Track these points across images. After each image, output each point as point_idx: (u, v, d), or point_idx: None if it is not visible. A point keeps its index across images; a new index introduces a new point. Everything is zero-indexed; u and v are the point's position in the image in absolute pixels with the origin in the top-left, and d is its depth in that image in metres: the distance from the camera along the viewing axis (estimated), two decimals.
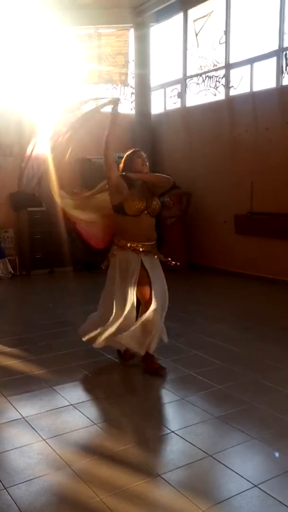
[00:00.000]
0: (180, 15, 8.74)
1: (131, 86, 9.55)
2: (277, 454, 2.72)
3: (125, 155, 3.96)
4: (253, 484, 2.44)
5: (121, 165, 3.89)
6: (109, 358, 4.23)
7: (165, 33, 9.33)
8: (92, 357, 4.25)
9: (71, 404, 3.36)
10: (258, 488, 2.41)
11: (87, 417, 3.17)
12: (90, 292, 7.18)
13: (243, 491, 2.39)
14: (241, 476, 2.52)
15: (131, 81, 9.50)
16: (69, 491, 2.43)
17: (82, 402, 3.40)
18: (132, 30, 9.28)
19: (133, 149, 4.01)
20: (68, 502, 2.35)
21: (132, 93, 9.50)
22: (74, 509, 2.29)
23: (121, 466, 2.63)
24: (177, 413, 3.33)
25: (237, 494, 2.38)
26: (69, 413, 3.24)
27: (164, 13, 8.91)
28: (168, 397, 3.52)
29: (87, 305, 6.14)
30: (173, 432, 2.98)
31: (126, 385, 3.75)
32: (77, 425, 3.07)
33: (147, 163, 3.90)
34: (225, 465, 2.62)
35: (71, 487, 2.45)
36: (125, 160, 3.90)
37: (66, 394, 3.53)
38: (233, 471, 2.57)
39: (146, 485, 2.45)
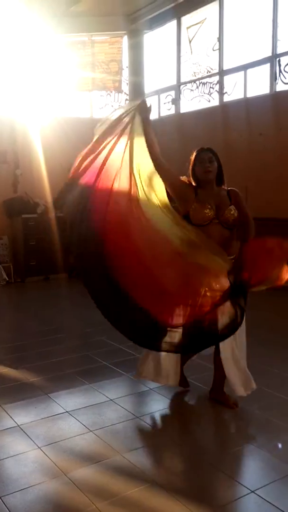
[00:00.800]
0: (174, 22, 8.79)
1: (125, 93, 9.58)
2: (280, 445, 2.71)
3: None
4: (250, 490, 2.43)
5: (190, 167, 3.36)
6: (104, 364, 4.21)
7: (158, 40, 9.38)
8: (87, 364, 4.23)
9: (66, 411, 3.33)
10: (255, 494, 2.39)
11: (83, 424, 3.14)
12: (85, 298, 7.18)
13: (240, 497, 2.38)
14: (238, 482, 2.50)
15: (125, 87, 9.53)
16: (64, 500, 2.41)
17: (78, 409, 3.38)
18: (125, 37, 9.32)
19: (198, 149, 3.41)
20: (63, 510, 2.32)
21: (126, 99, 9.53)
22: None
23: (117, 473, 2.61)
24: (172, 420, 3.31)
25: (234, 500, 2.36)
26: (65, 421, 3.22)
27: (158, 20, 8.96)
28: (159, 403, 3.50)
29: (82, 311, 6.15)
30: (167, 439, 2.96)
31: (121, 390, 3.72)
32: (73, 433, 3.05)
33: (213, 163, 3.29)
34: (222, 471, 2.60)
35: (67, 495, 2.43)
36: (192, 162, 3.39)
37: (61, 401, 3.50)
38: (230, 477, 2.55)
39: (142, 492, 2.43)
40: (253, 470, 2.68)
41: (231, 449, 2.82)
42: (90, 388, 3.73)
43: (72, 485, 2.49)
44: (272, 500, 2.34)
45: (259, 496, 2.38)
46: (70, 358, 4.42)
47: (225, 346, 3.26)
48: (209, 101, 8.27)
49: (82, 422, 3.18)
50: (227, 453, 2.79)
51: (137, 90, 9.22)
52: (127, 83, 9.45)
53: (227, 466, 2.65)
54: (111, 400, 3.51)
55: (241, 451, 2.81)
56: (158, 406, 3.47)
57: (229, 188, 3.41)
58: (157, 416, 3.32)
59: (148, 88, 9.41)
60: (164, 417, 3.33)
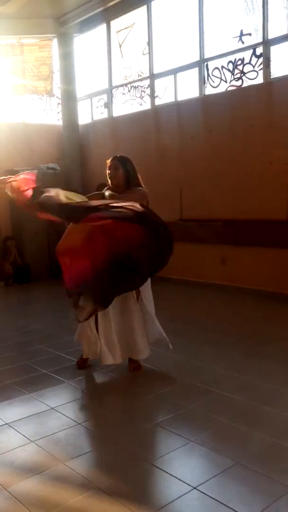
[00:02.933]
0: (103, 26, 8.81)
1: (57, 97, 9.48)
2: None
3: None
4: (192, 486, 2.47)
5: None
6: (44, 372, 4.14)
7: (89, 43, 9.37)
8: (27, 373, 4.15)
9: (6, 423, 3.25)
10: (197, 490, 2.44)
11: (23, 435, 3.08)
12: (22, 307, 7.05)
13: (183, 495, 2.42)
14: (180, 480, 2.54)
15: (57, 91, 9.43)
16: None
17: (18, 420, 3.30)
18: (55, 41, 9.23)
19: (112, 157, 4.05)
20: None
21: (59, 103, 9.44)
22: None
23: (59, 482, 2.58)
24: (112, 423, 3.31)
25: (177, 498, 2.40)
26: (4, 433, 3.13)
27: (87, 24, 8.94)
28: (100, 408, 3.49)
29: (19, 320, 6.03)
30: (110, 443, 2.96)
31: (62, 398, 3.67)
32: (13, 445, 2.97)
33: (119, 170, 3.96)
34: (164, 470, 2.63)
35: (8, 510, 2.37)
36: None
37: (1, 413, 3.41)
38: (172, 475, 2.59)
39: (85, 500, 2.41)
40: (194, 466, 2.73)
41: (171, 448, 2.86)
42: (31, 398, 3.66)
43: (13, 499, 2.43)
44: (214, 494, 2.40)
45: (201, 491, 2.43)
46: (9, 368, 4.31)
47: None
48: (141, 104, 8.35)
49: (22, 433, 3.11)
50: (167, 452, 2.82)
51: (69, 95, 9.15)
52: (58, 87, 9.35)
53: (168, 465, 2.69)
54: (52, 408, 3.46)
55: (182, 449, 2.85)
56: (100, 411, 3.46)
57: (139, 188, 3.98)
58: (99, 421, 3.31)
59: (80, 91, 9.36)
60: (105, 422, 3.32)
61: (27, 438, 3.04)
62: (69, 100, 9.16)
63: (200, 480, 2.52)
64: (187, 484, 2.50)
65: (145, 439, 3.01)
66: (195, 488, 2.46)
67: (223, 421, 3.15)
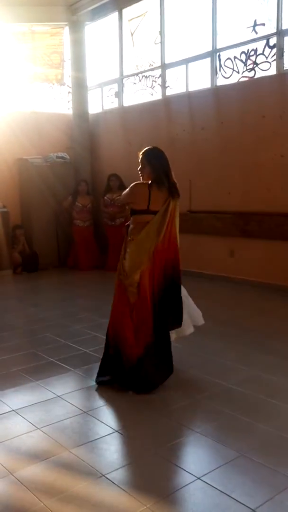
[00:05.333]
0: (115, 14, 8.75)
1: (67, 85, 9.45)
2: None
3: None
4: (196, 477, 2.49)
5: None
6: (51, 361, 4.17)
7: (101, 32, 9.30)
8: (33, 361, 4.18)
9: (13, 410, 3.28)
10: (201, 480, 2.46)
11: (30, 422, 3.11)
12: (31, 294, 7.09)
13: (187, 485, 2.43)
14: (184, 470, 2.56)
15: (68, 80, 9.40)
16: (11, 499, 2.37)
17: (24, 407, 3.33)
18: (67, 29, 9.18)
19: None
20: (10, 510, 2.29)
21: (69, 92, 9.40)
22: None
23: (64, 469, 2.61)
24: (119, 413, 3.33)
25: (181, 488, 2.42)
26: (11, 419, 3.17)
27: (99, 12, 8.88)
28: (107, 397, 3.51)
29: (26, 308, 6.06)
30: (116, 431, 2.98)
31: (68, 386, 3.70)
32: (19, 431, 3.01)
33: (145, 168, 3.65)
34: (169, 460, 2.65)
35: (14, 495, 2.40)
36: None
37: (8, 400, 3.44)
38: (177, 465, 2.61)
39: (90, 486, 2.44)
40: (198, 457, 2.75)
41: (177, 438, 2.88)
42: (37, 385, 3.69)
43: (19, 484, 2.46)
44: (218, 485, 2.42)
45: (205, 482, 2.44)
46: (16, 356, 4.34)
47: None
48: (152, 94, 8.30)
49: (29, 420, 3.14)
50: (173, 442, 2.84)
51: (79, 83, 9.11)
52: (69, 76, 9.31)
53: (173, 455, 2.71)
54: (58, 396, 3.49)
55: (187, 440, 2.87)
56: (106, 400, 3.48)
57: None
58: (104, 410, 3.33)
59: (91, 80, 9.32)
60: (110, 410, 3.35)
61: (33, 425, 3.07)
62: (79, 89, 9.11)
63: (205, 471, 2.54)
64: (191, 474, 2.51)
65: (151, 428, 3.03)
66: (199, 478, 2.47)
67: (228, 413, 3.16)
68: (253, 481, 2.46)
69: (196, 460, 2.71)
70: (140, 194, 3.59)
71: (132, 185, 3.69)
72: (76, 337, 4.77)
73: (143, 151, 3.66)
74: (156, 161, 3.60)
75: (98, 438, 2.91)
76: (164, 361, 3.60)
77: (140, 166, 3.67)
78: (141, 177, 3.69)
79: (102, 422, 3.12)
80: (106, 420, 3.17)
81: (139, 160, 3.67)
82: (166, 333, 3.63)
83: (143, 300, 3.57)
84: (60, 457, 2.71)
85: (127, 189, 3.75)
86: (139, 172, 3.69)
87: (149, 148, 3.67)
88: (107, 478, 2.50)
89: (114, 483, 2.45)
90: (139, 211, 3.62)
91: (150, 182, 3.60)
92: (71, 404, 3.36)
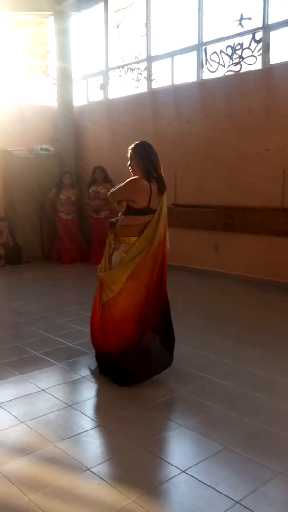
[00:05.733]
0: (101, 5, 8.66)
1: (52, 77, 9.35)
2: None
3: None
4: (181, 470, 2.50)
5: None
6: (35, 354, 4.15)
7: (86, 23, 9.21)
8: (18, 355, 4.15)
9: None
10: (186, 473, 2.47)
11: (14, 416, 3.09)
12: (15, 287, 7.03)
13: (172, 478, 2.44)
14: (169, 463, 2.57)
15: (52, 71, 9.30)
16: None
17: (8, 401, 3.31)
18: (52, 19, 9.06)
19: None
20: None
21: (54, 84, 9.31)
22: (1, 511, 2.23)
23: (49, 463, 2.60)
24: (104, 406, 3.33)
25: (166, 481, 2.43)
26: None
27: (85, 2, 8.79)
28: (91, 390, 3.51)
29: (10, 301, 6.01)
30: (101, 425, 2.98)
31: (53, 380, 3.69)
32: (3, 425, 2.98)
33: (132, 160, 3.57)
34: (154, 453, 2.65)
35: None
36: None
37: None
38: (162, 459, 2.62)
39: (75, 480, 2.44)
40: (183, 450, 2.76)
41: (161, 431, 2.89)
42: (21, 379, 3.67)
43: (3, 478, 2.45)
44: (202, 478, 2.43)
45: (190, 475, 2.46)
46: (0, 349, 4.31)
47: None
48: (137, 87, 8.26)
49: (13, 413, 3.12)
50: (158, 435, 2.85)
51: (64, 75, 9.01)
52: (54, 67, 9.21)
53: (158, 448, 2.72)
54: (42, 390, 3.47)
55: (171, 433, 2.88)
56: (90, 393, 3.48)
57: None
58: (89, 404, 3.33)
59: (76, 72, 9.23)
60: (95, 404, 3.35)
61: (18, 419, 3.05)
62: (64, 80, 9.02)
63: (189, 464, 2.55)
64: (176, 467, 2.52)
65: (135, 422, 3.03)
66: (184, 471, 2.49)
67: (213, 406, 3.18)
68: (237, 474, 2.48)
69: (181, 453, 2.73)
70: (143, 191, 3.45)
71: (131, 181, 3.51)
72: (60, 331, 4.74)
73: (132, 145, 3.59)
74: (145, 155, 3.53)
75: (83, 432, 2.90)
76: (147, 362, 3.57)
77: (129, 161, 3.60)
78: (131, 172, 3.62)
79: (87, 416, 3.11)
80: (91, 414, 3.16)
81: (128, 155, 3.60)
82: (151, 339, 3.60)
83: (127, 300, 3.54)
84: (44, 451, 2.70)
85: (124, 185, 3.52)
86: (129, 168, 3.62)
87: (138, 143, 3.61)
88: (92, 471, 2.50)
89: (99, 477, 2.45)
90: (140, 210, 3.49)
91: (145, 177, 3.51)
92: (55, 397, 3.35)
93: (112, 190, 3.73)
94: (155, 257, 3.55)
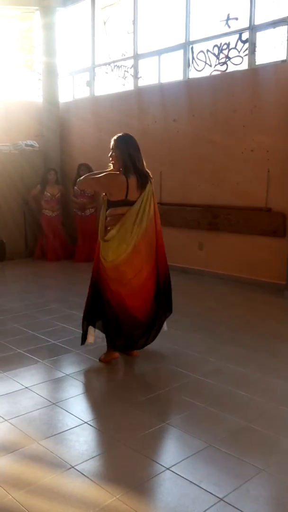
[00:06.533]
0: (88, 1, 8.62)
1: (38, 72, 9.27)
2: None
3: None
4: (165, 467, 2.51)
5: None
6: (19, 352, 4.12)
7: (72, 19, 9.15)
8: (1, 353, 4.12)
9: None
10: (170, 470, 2.48)
11: None
12: None
13: (156, 475, 2.45)
14: (154, 461, 2.58)
15: (38, 66, 9.22)
16: None
17: None
18: (37, 13, 8.98)
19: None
20: None
21: (39, 79, 9.23)
22: None
23: (33, 461, 2.59)
24: (88, 404, 3.33)
25: (150, 478, 2.43)
26: None
27: None
28: (75, 388, 3.50)
29: None
30: (85, 422, 2.98)
31: (37, 378, 3.67)
32: None
33: (113, 151, 3.68)
34: (137, 451, 2.66)
35: None
36: None
37: None
38: (146, 456, 2.62)
39: (59, 478, 2.43)
40: (167, 448, 2.78)
41: (146, 429, 2.89)
42: (4, 377, 3.64)
43: None
44: (186, 475, 2.45)
45: (174, 472, 2.47)
46: None
47: None
48: (124, 84, 8.24)
49: None
50: (142, 433, 2.85)
51: (50, 70, 8.95)
52: (40, 62, 9.13)
53: (142, 446, 2.72)
54: (26, 388, 3.45)
55: (156, 431, 2.89)
56: (75, 391, 3.46)
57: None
58: (73, 401, 3.32)
59: (61, 69, 9.17)
60: (80, 402, 3.34)
61: (1, 417, 3.03)
62: (50, 75, 8.95)
63: (173, 461, 2.57)
64: (160, 464, 2.53)
65: (119, 420, 3.03)
66: (168, 469, 2.50)
67: (197, 404, 3.19)
68: (220, 471, 2.50)
69: (165, 451, 2.74)
70: (119, 185, 3.58)
71: (108, 175, 3.65)
72: (44, 328, 4.72)
73: (115, 137, 3.70)
74: (126, 150, 3.62)
75: (67, 430, 2.90)
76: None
77: (111, 152, 3.70)
78: (111, 163, 3.71)
79: (71, 413, 3.10)
80: (75, 411, 3.15)
81: (111, 146, 3.69)
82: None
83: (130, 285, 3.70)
84: (28, 449, 2.69)
85: (102, 177, 3.66)
86: (110, 158, 3.71)
87: (121, 135, 3.71)
88: (76, 469, 2.49)
89: (84, 475, 2.45)
90: (117, 202, 3.63)
91: (121, 170, 3.62)
92: (39, 395, 3.33)
93: (86, 176, 3.86)
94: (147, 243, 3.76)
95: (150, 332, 3.87)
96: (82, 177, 3.89)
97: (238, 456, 2.61)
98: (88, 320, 3.86)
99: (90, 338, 3.89)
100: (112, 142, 3.69)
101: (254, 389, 3.42)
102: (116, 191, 3.61)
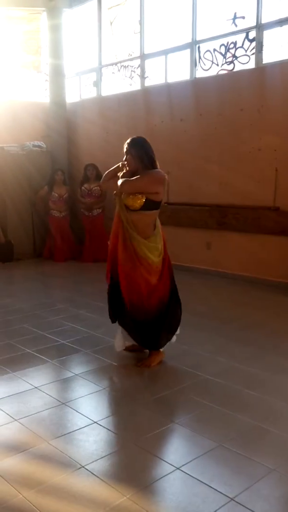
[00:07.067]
0: (94, 1, 8.63)
1: (45, 73, 9.30)
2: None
3: None
4: (175, 467, 2.50)
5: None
6: (27, 352, 4.13)
7: (79, 19, 9.17)
8: (10, 352, 4.13)
9: None
10: (180, 470, 2.48)
11: (7, 414, 3.07)
12: (6, 285, 6.99)
13: (166, 475, 2.45)
14: (164, 461, 2.57)
15: (45, 67, 9.24)
16: None
17: (1, 398, 3.29)
18: (44, 15, 9.01)
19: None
20: None
21: (46, 80, 9.26)
22: None
23: (43, 460, 2.59)
24: (98, 404, 3.33)
25: (160, 478, 2.43)
26: None
27: None
28: (85, 388, 3.50)
29: (3, 299, 5.98)
30: (95, 422, 2.97)
31: (46, 377, 3.68)
32: None
33: (128, 155, 3.60)
34: (148, 451, 2.66)
35: None
36: None
37: None
38: (156, 456, 2.62)
39: (69, 478, 2.43)
40: (177, 448, 2.77)
41: (156, 429, 2.89)
42: (14, 377, 3.65)
43: None
44: (196, 475, 2.44)
45: (184, 472, 2.46)
46: None
47: None
48: (130, 84, 8.24)
49: (6, 411, 3.11)
50: (152, 433, 2.85)
51: (57, 71, 8.97)
52: (46, 63, 9.16)
53: (152, 445, 2.72)
54: (35, 387, 3.46)
55: (166, 431, 2.88)
56: (84, 391, 3.46)
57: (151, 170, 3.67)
58: (83, 401, 3.32)
59: (68, 69, 9.19)
60: (89, 402, 3.33)
61: (11, 417, 3.04)
62: (57, 76, 8.97)
63: (183, 461, 2.56)
64: (170, 464, 2.53)
65: (128, 419, 3.03)
66: (178, 468, 2.49)
67: (206, 404, 3.18)
68: (231, 471, 2.49)
69: (175, 450, 2.73)
70: (164, 183, 3.61)
71: (158, 173, 3.58)
72: (52, 328, 4.73)
73: (129, 140, 3.62)
74: (144, 150, 3.58)
75: (76, 429, 2.90)
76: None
77: (125, 156, 3.62)
78: (126, 167, 3.65)
79: (80, 413, 3.11)
80: (85, 411, 3.15)
81: (125, 150, 3.62)
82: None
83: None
84: (38, 448, 2.69)
85: (150, 177, 3.54)
86: (125, 163, 3.65)
87: (134, 138, 3.65)
88: (86, 469, 2.49)
89: (94, 474, 2.45)
90: (159, 203, 3.64)
91: (140, 169, 3.59)
92: (48, 395, 3.34)
93: (126, 181, 3.58)
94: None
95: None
96: (121, 180, 3.61)
97: (248, 456, 2.60)
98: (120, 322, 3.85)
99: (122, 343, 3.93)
100: (125, 146, 3.62)
101: (264, 388, 3.40)
102: (162, 189, 3.58)
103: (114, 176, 3.75)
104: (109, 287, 3.83)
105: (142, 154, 3.56)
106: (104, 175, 3.88)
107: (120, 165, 3.73)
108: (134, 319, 3.70)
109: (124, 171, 3.66)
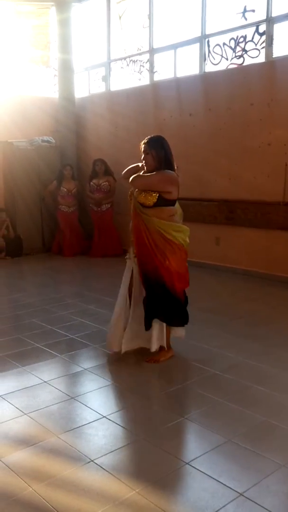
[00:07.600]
0: None
1: (53, 68, 9.29)
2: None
3: None
4: (184, 462, 2.51)
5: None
6: (37, 346, 4.15)
7: (88, 13, 9.14)
8: (19, 347, 4.16)
9: None
10: (189, 465, 2.48)
11: (17, 408, 3.09)
12: (15, 279, 7.02)
13: (175, 470, 2.46)
14: (173, 455, 2.58)
15: (54, 62, 9.23)
16: (0, 484, 2.37)
17: (11, 392, 3.32)
18: (53, 9, 8.99)
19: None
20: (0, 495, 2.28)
21: (55, 75, 9.25)
22: (5, 501, 2.23)
23: (53, 454, 2.61)
24: (107, 398, 3.34)
25: (170, 472, 2.43)
26: None
27: None
28: (94, 382, 3.51)
29: (11, 294, 6.01)
30: (104, 417, 2.99)
31: (55, 372, 3.69)
32: (6, 416, 2.99)
33: (149, 153, 3.60)
34: (157, 446, 2.66)
35: (2, 480, 2.39)
36: None
37: None
38: (165, 451, 2.62)
39: (79, 472, 2.44)
40: (186, 443, 2.78)
41: (165, 424, 2.90)
42: (23, 371, 3.67)
43: (7, 469, 2.46)
44: (206, 469, 2.44)
45: (193, 467, 2.47)
46: (1, 341, 4.31)
47: None
48: (139, 79, 8.21)
49: (15, 405, 3.13)
50: (161, 428, 2.86)
51: (66, 66, 8.95)
52: (55, 58, 9.15)
53: (161, 440, 2.72)
54: (45, 382, 3.48)
55: (175, 426, 2.89)
56: (93, 385, 3.48)
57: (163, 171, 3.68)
58: (92, 396, 3.33)
59: (77, 63, 9.18)
60: (98, 396, 3.35)
61: (20, 411, 3.06)
62: (66, 71, 8.96)
63: (192, 456, 2.56)
64: (179, 459, 2.53)
65: (138, 414, 3.04)
66: (187, 463, 2.50)
67: (215, 399, 3.18)
68: (240, 466, 2.49)
69: (184, 445, 2.74)
70: (178, 184, 3.67)
71: (172, 175, 3.62)
72: (62, 323, 4.75)
73: (146, 140, 3.63)
74: (160, 147, 3.61)
75: (86, 424, 2.91)
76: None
77: (143, 155, 3.62)
78: (145, 166, 3.66)
79: (89, 407, 3.12)
80: (94, 405, 3.16)
81: (143, 149, 3.62)
82: None
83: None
84: (48, 442, 2.71)
85: (162, 178, 3.58)
86: (143, 161, 3.65)
87: (153, 137, 3.67)
88: (95, 463, 2.51)
89: (103, 468, 2.46)
90: (173, 201, 3.69)
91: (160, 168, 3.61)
92: (58, 389, 3.36)
93: (138, 176, 3.66)
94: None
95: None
96: (134, 176, 3.67)
97: (257, 451, 2.60)
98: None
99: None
100: (143, 145, 3.63)
101: (272, 384, 3.39)
102: (175, 189, 3.64)
103: (133, 174, 3.75)
104: (149, 288, 3.74)
105: (162, 156, 3.59)
106: (124, 171, 3.88)
107: (140, 166, 3.75)
108: (174, 300, 3.74)
109: (143, 172, 3.69)
